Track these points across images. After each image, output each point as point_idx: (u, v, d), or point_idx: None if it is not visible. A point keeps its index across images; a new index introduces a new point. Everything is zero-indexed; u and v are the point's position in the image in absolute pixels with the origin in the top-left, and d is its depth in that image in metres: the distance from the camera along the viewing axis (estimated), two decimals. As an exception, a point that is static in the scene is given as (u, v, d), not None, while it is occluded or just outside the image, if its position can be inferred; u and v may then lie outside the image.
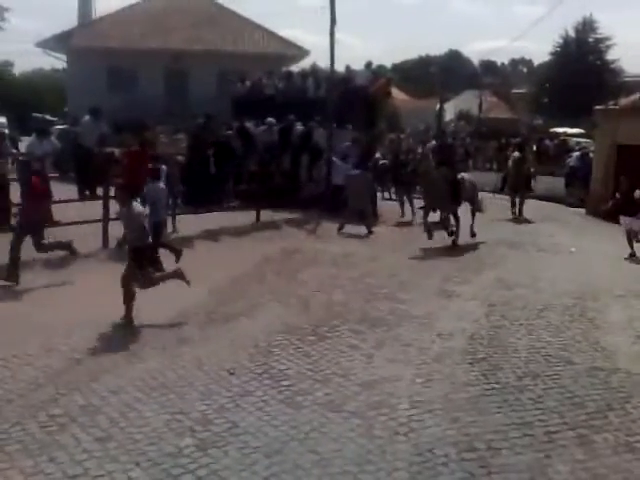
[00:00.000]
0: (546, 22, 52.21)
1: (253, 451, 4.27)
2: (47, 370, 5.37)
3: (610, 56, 47.54)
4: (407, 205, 14.43)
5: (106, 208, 9.83)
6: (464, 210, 12.03)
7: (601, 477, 4.17)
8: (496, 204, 15.19)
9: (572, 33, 48.10)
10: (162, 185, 9.26)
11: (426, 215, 11.36)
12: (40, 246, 8.18)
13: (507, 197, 15.49)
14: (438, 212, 11.49)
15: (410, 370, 5.67)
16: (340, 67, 16.50)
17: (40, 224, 8.18)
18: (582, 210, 16.38)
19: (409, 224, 13.70)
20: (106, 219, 9.78)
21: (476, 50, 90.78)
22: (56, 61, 30.53)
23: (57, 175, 13.39)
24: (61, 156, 12.90)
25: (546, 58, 51.54)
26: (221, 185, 12.98)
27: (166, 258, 8.25)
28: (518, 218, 14.78)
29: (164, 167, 10.68)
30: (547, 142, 24.16)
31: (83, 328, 6.25)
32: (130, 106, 18.62)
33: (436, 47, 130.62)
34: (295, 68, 21.94)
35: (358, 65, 17.96)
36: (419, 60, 68.95)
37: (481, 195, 13.28)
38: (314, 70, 18.52)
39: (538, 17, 54.98)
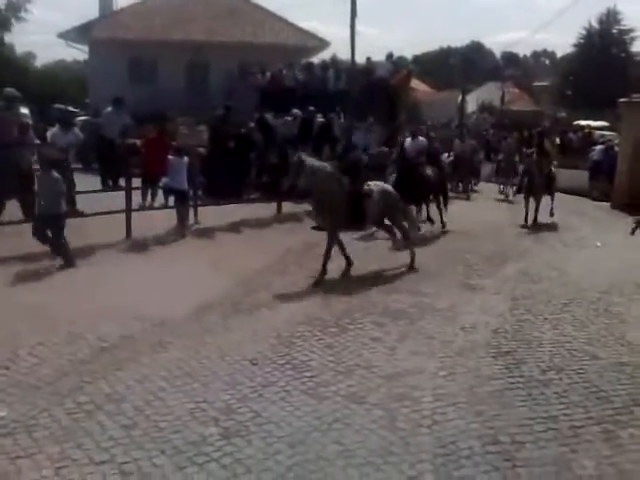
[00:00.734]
0: (569, 13, 51.48)
1: (276, 441, 4.28)
2: (73, 358, 5.44)
3: (635, 48, 46.92)
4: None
5: (129, 199, 9.91)
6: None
7: (627, 473, 4.13)
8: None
9: (596, 24, 47.48)
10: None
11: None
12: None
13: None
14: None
15: (433, 363, 5.64)
16: (360, 58, 16.49)
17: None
18: (607, 204, 16.16)
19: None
20: (129, 210, 9.86)
21: (498, 42, 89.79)
22: (78, 53, 30.78)
23: (80, 166, 13.57)
24: (84, 147, 12.99)
25: (569, 50, 51.03)
26: (242, 177, 13.01)
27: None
28: (532, 226, 12.47)
29: (186, 158, 10.78)
30: (571, 135, 23.85)
31: (108, 317, 6.31)
32: (151, 98, 18.69)
33: (457, 39, 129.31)
34: (315, 60, 21.95)
35: (379, 56, 17.96)
36: (440, 52, 68.35)
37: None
38: (334, 62, 18.50)
39: (561, 8, 54.17)
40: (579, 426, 4.63)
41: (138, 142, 12.05)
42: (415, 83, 25.93)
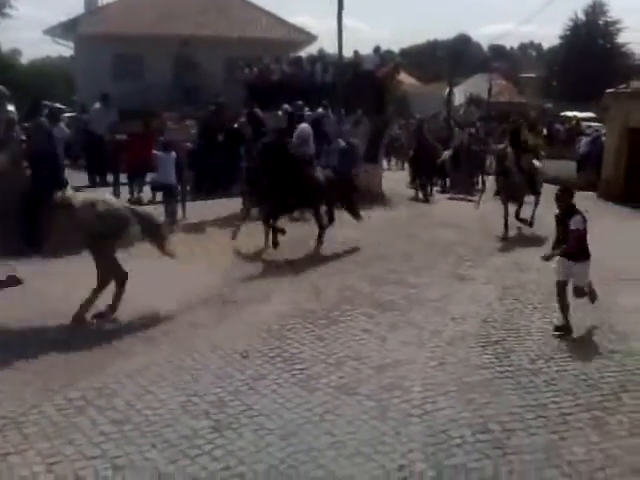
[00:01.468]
0: (555, 5, 51.73)
1: (268, 433, 4.29)
2: (63, 353, 5.41)
3: (620, 39, 47.14)
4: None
5: (116, 195, 9.87)
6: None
7: (616, 458, 4.17)
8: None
9: (582, 16, 47.65)
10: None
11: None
12: None
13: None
14: None
15: (423, 353, 5.67)
16: (348, 52, 16.45)
17: None
18: (593, 194, 16.25)
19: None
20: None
21: (485, 34, 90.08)
22: (64, 49, 30.56)
23: (67, 162, 13.48)
24: (71, 143, 12.93)
25: (556, 42, 51.20)
26: (231, 171, 12.97)
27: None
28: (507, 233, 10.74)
29: (173, 154, 10.75)
30: (558, 126, 23.94)
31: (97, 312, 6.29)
32: (138, 93, 18.58)
33: (444, 31, 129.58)
34: (303, 54, 21.88)
35: (366, 50, 17.90)
36: (427, 44, 68.47)
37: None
38: (322, 55, 18.45)
39: (547, 0, 54.25)
40: (568, 413, 4.68)
41: (125, 137, 12.00)
42: (403, 76, 25.86)
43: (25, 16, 73.80)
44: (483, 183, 15.11)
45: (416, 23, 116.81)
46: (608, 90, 17.37)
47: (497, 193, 11.22)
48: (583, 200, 15.40)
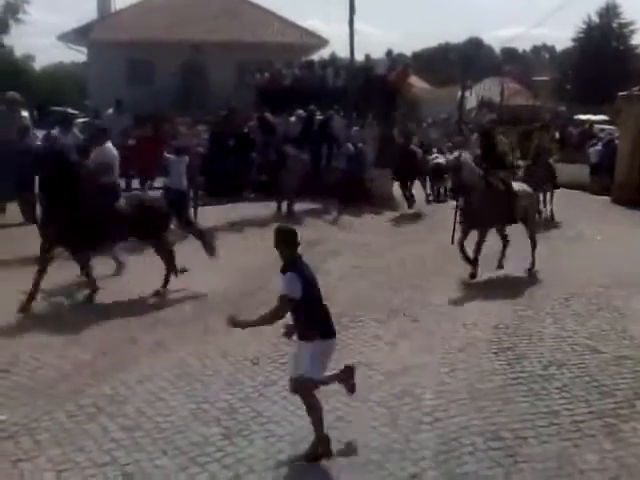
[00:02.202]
0: (568, 8, 51.39)
1: (278, 440, 4.29)
2: (74, 361, 5.44)
3: (634, 41, 46.83)
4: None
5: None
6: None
7: (630, 467, 4.12)
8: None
9: (595, 18, 47.38)
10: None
11: None
12: None
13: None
14: None
15: (434, 359, 5.64)
16: (360, 56, 16.45)
17: None
18: (607, 198, 16.11)
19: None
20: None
21: (497, 37, 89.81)
22: (77, 55, 30.80)
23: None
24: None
25: (569, 44, 50.93)
26: (242, 176, 13.00)
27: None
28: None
29: (185, 158, 10.76)
30: (571, 129, 23.78)
31: (109, 319, 6.32)
32: (150, 98, 18.69)
33: (456, 35, 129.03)
34: (315, 58, 21.92)
35: (378, 54, 17.89)
36: (439, 48, 68.30)
37: None
38: (333, 60, 18.47)
39: (560, 3, 53.92)
40: (581, 420, 4.64)
41: (133, 142, 12.08)
42: (414, 80, 25.89)
43: (38, 22, 74.66)
44: None
45: (427, 27, 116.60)
46: (621, 93, 17.22)
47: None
48: (597, 203, 15.52)
